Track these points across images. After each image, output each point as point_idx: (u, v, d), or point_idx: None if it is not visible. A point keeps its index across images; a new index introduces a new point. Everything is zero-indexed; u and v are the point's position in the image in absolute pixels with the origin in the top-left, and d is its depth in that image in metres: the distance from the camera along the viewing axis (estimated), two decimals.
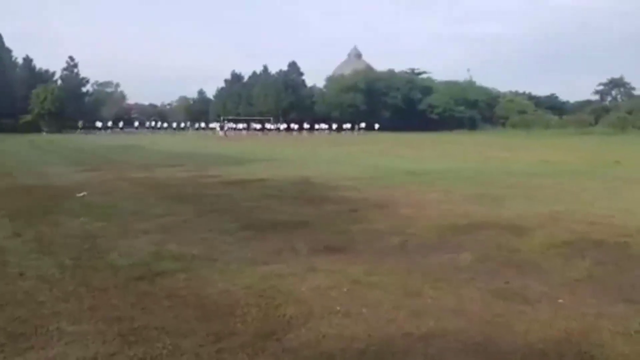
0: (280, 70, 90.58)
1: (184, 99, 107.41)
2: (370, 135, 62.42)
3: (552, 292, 3.79)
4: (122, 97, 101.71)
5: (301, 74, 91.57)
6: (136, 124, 78.44)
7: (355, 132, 74.06)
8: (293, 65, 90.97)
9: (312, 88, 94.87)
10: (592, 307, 3.50)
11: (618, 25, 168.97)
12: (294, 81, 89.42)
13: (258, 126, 77.35)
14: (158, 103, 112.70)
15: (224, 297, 3.69)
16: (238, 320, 3.28)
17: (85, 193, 8.91)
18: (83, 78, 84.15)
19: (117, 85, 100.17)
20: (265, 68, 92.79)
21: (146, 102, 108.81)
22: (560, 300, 3.62)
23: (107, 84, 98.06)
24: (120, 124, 74.34)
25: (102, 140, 39.87)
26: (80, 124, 65.25)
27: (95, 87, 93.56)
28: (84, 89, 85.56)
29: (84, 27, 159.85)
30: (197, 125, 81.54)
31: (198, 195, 8.80)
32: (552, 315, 3.36)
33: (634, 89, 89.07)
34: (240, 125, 77.82)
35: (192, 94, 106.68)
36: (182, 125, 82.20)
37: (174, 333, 3.09)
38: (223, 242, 5.32)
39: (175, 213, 7.00)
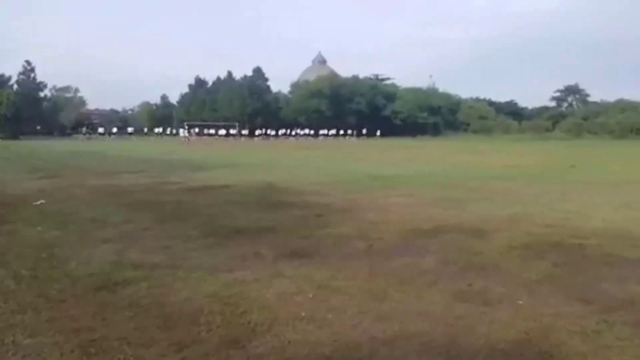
0: (245, 76, 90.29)
1: (146, 104, 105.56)
2: (336, 140, 62.73)
3: (512, 294, 3.87)
4: (82, 102, 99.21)
5: (266, 79, 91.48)
6: (101, 130, 76.71)
7: (354, 138, 74.47)
8: (258, 71, 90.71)
9: (278, 94, 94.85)
10: (551, 307, 3.59)
11: (575, 34, 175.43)
12: (259, 87, 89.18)
13: (223, 132, 76.85)
14: (119, 108, 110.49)
15: (187, 306, 3.62)
16: (202, 328, 3.23)
17: (42, 201, 8.63)
18: (40, 83, 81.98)
19: (77, 90, 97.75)
20: (230, 73, 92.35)
21: (107, 108, 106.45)
22: (520, 302, 3.71)
23: (66, 88, 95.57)
24: (83, 130, 72.58)
25: (61, 146, 38.75)
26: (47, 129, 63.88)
27: (53, 92, 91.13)
28: (41, 94, 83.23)
29: (41, 30, 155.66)
30: (159, 130, 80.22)
31: (160, 202, 8.64)
32: (513, 316, 3.44)
33: (588, 95, 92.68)
34: (205, 131, 77.08)
35: (155, 99, 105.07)
36: (145, 130, 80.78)
37: (135, 343, 3.01)
38: (186, 250, 5.23)
39: (136, 220, 6.85)
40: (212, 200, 8.91)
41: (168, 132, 79.66)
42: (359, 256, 5.00)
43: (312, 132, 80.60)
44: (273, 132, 78.38)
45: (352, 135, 79.83)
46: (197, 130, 74.80)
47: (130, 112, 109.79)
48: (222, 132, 77.17)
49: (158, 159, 22.39)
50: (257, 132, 77.63)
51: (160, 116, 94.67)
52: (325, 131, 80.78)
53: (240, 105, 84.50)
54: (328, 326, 3.27)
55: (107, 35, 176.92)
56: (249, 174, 14.37)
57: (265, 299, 3.74)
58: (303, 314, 3.46)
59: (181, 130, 68.11)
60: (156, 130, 79.95)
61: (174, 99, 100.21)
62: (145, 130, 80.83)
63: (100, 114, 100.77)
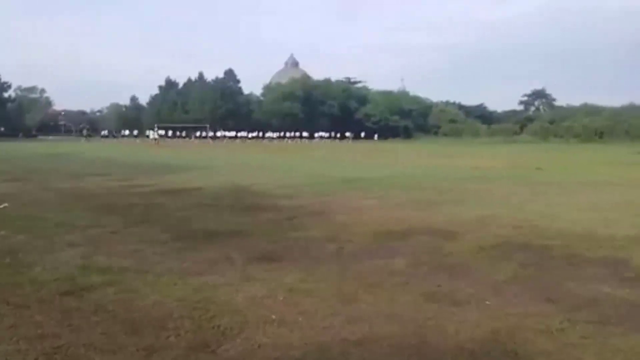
0: (217, 77, 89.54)
1: (115, 105, 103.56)
2: (309, 143, 62.76)
3: (480, 294, 3.94)
4: (48, 103, 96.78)
5: (238, 81, 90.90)
6: (104, 132, 75.10)
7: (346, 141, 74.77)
8: (230, 73, 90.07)
9: (249, 96, 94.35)
10: (517, 307, 3.67)
11: (542, 41, 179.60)
12: (231, 89, 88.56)
13: (198, 134, 76.19)
14: (88, 109, 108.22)
15: (156, 310, 3.57)
16: (170, 333, 3.19)
17: (6, 204, 8.39)
18: (5, 83, 79.68)
19: (43, 90, 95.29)
20: (201, 75, 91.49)
21: (75, 109, 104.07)
22: (488, 302, 3.77)
23: (32, 89, 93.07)
24: (84, 132, 71.28)
25: (26, 148, 37.73)
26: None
27: (18, 92, 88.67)
28: (5, 95, 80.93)
29: (5, 29, 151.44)
30: (127, 132, 78.89)
31: (128, 206, 8.50)
32: (480, 316, 3.49)
33: (555, 100, 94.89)
34: (177, 133, 76.22)
35: (125, 100, 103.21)
36: (114, 132, 79.39)
37: (102, 349, 2.95)
38: (154, 254, 5.16)
39: (103, 224, 6.73)
40: (182, 203, 8.81)
41: (136, 133, 78.29)
42: (329, 259, 5.01)
43: (285, 134, 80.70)
44: (245, 134, 78.06)
45: (329, 137, 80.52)
46: (167, 132, 73.79)
47: (98, 113, 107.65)
48: (195, 134, 76.45)
49: (127, 161, 22.01)
50: (229, 134, 77.17)
51: (130, 118, 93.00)
52: (297, 133, 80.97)
53: (212, 107, 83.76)
54: (299, 329, 3.26)
55: (75, 36, 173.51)
56: (220, 176, 14.26)
57: (236, 303, 3.72)
58: (273, 317, 3.45)
59: (150, 132, 66.88)
60: (126, 132, 78.71)
61: (144, 100, 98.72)
62: (114, 132, 79.38)
63: (68, 115, 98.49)
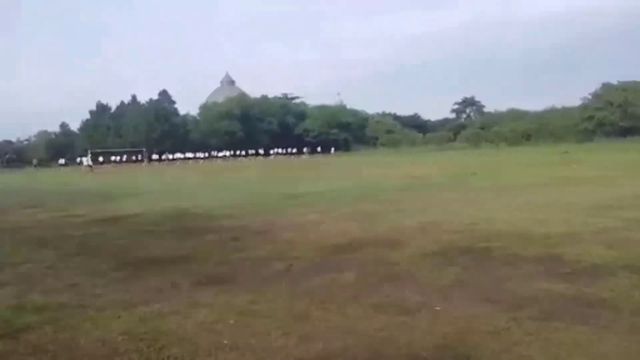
0: (151, 99, 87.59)
1: (44, 133, 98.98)
2: (263, 160, 62.30)
3: (429, 301, 4.01)
4: None
5: (173, 102, 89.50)
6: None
7: (304, 156, 74.60)
8: (164, 94, 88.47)
9: (186, 116, 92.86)
10: (464, 310, 3.76)
11: (468, 50, 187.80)
12: (166, 110, 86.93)
13: (134, 158, 74.06)
14: (14, 139, 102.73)
15: (99, 347, 3.40)
16: None
17: None
18: None
19: None
20: (134, 97, 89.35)
21: None
22: (437, 308, 3.85)
23: None
24: (34, 162, 67.68)
25: None
26: None
27: None
28: None
29: None
30: (61, 160, 75.60)
31: (63, 237, 8.09)
32: (430, 322, 3.55)
33: (484, 106, 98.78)
34: (112, 158, 73.68)
35: (54, 127, 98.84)
36: (35, 162, 75.62)
37: None
38: (94, 286, 4.92)
39: (36, 259, 6.36)
40: (121, 231, 8.49)
41: (62, 162, 75.06)
42: (278, 278, 4.96)
43: (235, 152, 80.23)
44: (181, 156, 76.62)
45: (286, 153, 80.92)
46: (101, 157, 71.13)
47: (26, 142, 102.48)
48: (130, 158, 74.27)
49: (59, 191, 21.03)
50: (164, 156, 75.50)
51: (61, 145, 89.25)
52: (245, 152, 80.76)
53: (147, 130, 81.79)
54: (252, 352, 3.20)
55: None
56: (160, 201, 13.87)
57: (185, 331, 3.60)
58: (225, 342, 3.36)
59: (83, 159, 64.15)
60: (60, 160, 75.45)
61: (75, 126, 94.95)
62: (35, 162, 75.62)
63: None
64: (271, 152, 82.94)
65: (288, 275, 5.06)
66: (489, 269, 4.90)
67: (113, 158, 73.95)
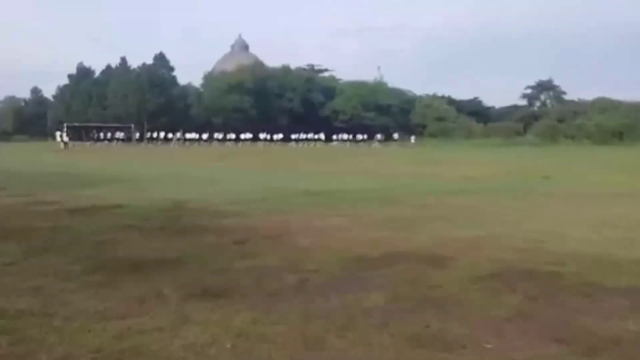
0: (144, 64, 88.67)
1: (12, 99, 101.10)
2: (268, 147, 62.58)
3: (478, 335, 3.97)
4: None
5: (171, 69, 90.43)
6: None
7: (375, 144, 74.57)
8: (161, 58, 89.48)
9: (187, 87, 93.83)
10: (524, 351, 3.71)
11: (546, 26, 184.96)
12: (163, 78, 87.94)
13: (118, 135, 75.14)
14: None
15: None
16: None
17: None
18: None
19: None
20: (124, 61, 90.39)
21: None
22: (488, 345, 3.81)
23: None
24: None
25: None
26: None
27: None
28: None
29: None
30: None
31: (28, 229, 8.26)
32: None
33: (564, 93, 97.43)
34: (95, 134, 74.94)
35: (24, 93, 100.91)
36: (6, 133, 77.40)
37: None
38: (63, 291, 5.01)
39: None
40: (100, 225, 8.62)
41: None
42: (289, 294, 4.98)
43: (232, 136, 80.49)
44: (179, 136, 77.46)
45: (347, 140, 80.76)
46: (80, 133, 72.36)
47: None
48: (118, 135, 75.32)
49: (28, 172, 21.47)
50: (158, 135, 76.38)
51: (31, 114, 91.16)
52: (248, 135, 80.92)
53: (138, 101, 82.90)
54: None
55: None
56: (150, 190, 14.05)
57: (170, 353, 3.64)
58: None
59: (57, 134, 65.05)
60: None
61: (49, 92, 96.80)
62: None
63: None
64: (293, 136, 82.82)
65: (302, 291, 5.07)
66: (557, 300, 4.83)
67: (95, 134, 75.16)
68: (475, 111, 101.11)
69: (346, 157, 35.82)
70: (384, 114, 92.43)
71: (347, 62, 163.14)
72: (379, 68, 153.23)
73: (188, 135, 79.29)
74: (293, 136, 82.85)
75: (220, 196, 12.44)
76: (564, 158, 34.64)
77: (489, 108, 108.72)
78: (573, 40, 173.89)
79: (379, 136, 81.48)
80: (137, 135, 76.54)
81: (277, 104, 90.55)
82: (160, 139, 75.36)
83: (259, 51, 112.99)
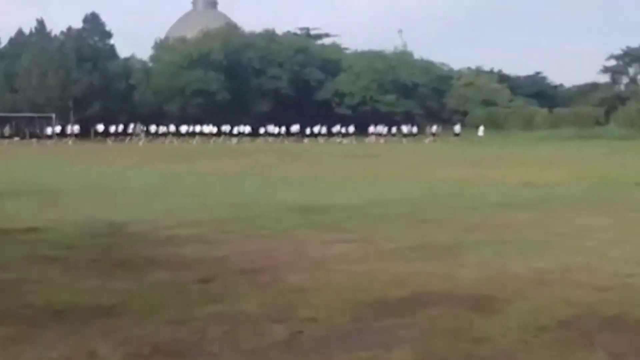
0: (70, 29, 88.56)
1: None
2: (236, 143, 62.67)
3: None
4: None
5: (108, 35, 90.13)
6: None
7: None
8: (93, 21, 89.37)
9: (129, 61, 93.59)
10: None
11: None
12: (96, 48, 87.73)
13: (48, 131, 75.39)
14: None
15: None
16: None
17: None
18: None
19: None
20: (42, 24, 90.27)
21: None
22: None
23: None
24: None
25: None
26: None
27: None
28: None
29: None
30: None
31: None
32: None
33: None
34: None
35: None
36: None
37: None
38: None
39: None
40: (6, 256, 8.64)
41: None
42: (277, 353, 4.98)
43: (194, 129, 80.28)
44: (118, 129, 77.41)
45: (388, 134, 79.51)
46: None
47: None
48: (30, 129, 75.51)
49: None
50: (86, 129, 76.48)
51: None
52: (222, 128, 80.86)
53: (61, 81, 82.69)
54: None
55: None
56: (77, 207, 14.06)
57: None
58: None
59: None
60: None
61: None
62: None
63: None
64: (293, 129, 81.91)
65: (294, 349, 5.07)
66: None
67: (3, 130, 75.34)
68: (538, 92, 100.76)
69: (348, 157, 35.79)
70: (408, 97, 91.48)
71: (356, 23, 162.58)
72: (400, 32, 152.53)
73: (155, 129, 78.64)
74: (293, 129, 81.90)
75: (175, 215, 12.43)
76: None
77: (556, 87, 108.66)
78: None
79: (434, 128, 79.04)
80: (59, 129, 76.35)
81: (257, 84, 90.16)
82: (120, 135, 75.26)
83: (231, 9, 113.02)
